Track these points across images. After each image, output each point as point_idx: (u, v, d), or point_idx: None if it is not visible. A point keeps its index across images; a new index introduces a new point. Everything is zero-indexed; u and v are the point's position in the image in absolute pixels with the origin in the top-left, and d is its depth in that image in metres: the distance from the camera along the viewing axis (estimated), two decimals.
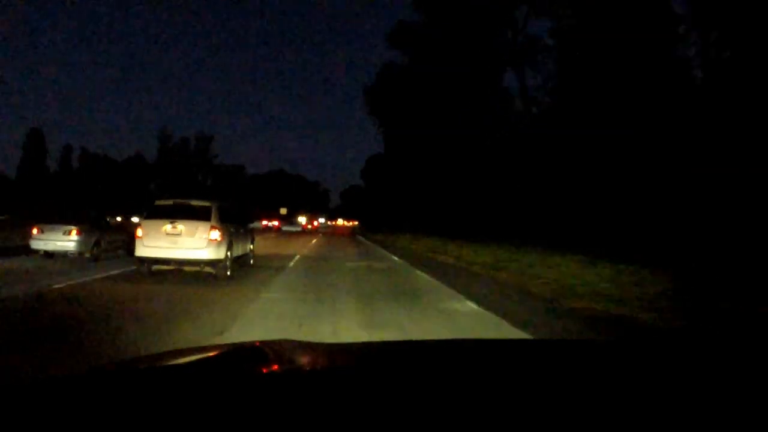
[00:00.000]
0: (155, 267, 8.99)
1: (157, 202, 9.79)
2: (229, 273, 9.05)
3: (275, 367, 1.08)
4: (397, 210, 46.46)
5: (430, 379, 1.01)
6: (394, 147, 40.31)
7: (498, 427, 0.77)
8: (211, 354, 1.15)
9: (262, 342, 1.24)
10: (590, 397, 0.89)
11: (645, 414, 0.81)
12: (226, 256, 8.90)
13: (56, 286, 7.61)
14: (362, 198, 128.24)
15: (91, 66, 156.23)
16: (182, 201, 9.44)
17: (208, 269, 8.75)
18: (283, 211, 56.57)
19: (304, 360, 1.17)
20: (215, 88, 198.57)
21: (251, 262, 11.54)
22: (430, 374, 1.07)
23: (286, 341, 1.31)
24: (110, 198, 56.39)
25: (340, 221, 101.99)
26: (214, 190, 72.42)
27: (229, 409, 0.75)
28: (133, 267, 9.37)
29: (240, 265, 10.36)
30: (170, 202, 9.55)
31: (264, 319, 5.77)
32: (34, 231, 11.19)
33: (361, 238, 34.14)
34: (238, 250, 10.09)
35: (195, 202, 9.35)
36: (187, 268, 8.87)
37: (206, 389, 0.84)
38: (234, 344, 1.35)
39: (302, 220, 54.29)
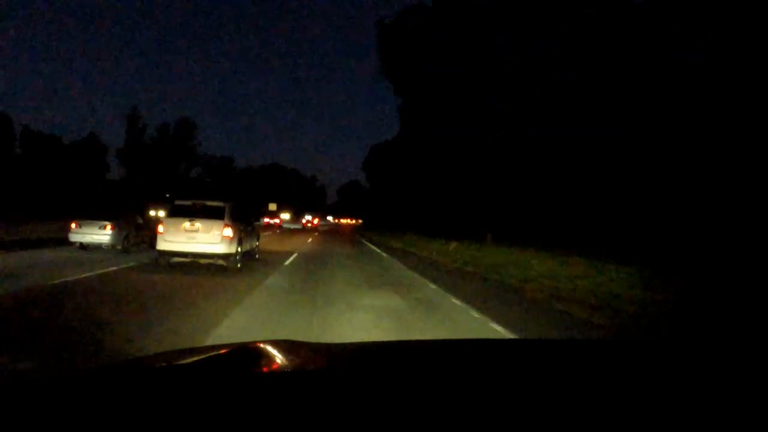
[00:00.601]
0: (174, 259, 10.53)
1: (177, 202, 11.38)
2: (239, 266, 10.69)
3: (275, 367, 1.09)
4: (406, 206, 41.13)
5: (430, 379, 1.02)
6: (412, 123, 30.35)
7: (497, 426, 0.77)
8: (211, 354, 1.15)
9: (262, 342, 1.24)
10: (589, 396, 0.90)
11: (643, 413, 0.82)
12: (237, 250, 10.54)
13: (101, 271, 9.44)
14: (362, 194, 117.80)
15: (65, 53, 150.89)
16: (199, 201, 11.07)
17: (220, 262, 10.36)
18: (273, 206, 53.15)
19: (304, 360, 1.18)
20: (198, 71, 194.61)
21: (256, 256, 13.21)
22: (430, 374, 1.08)
23: (286, 341, 1.32)
24: (53, 188, 45.08)
25: (344, 220, 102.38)
26: (198, 183, 67.95)
27: (229, 409, 0.76)
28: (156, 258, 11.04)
29: (247, 258, 11.99)
30: (189, 202, 11.15)
31: (267, 299, 7.43)
32: (73, 225, 13.06)
33: (364, 242, 28.27)
34: (246, 246, 11.73)
35: (210, 203, 10.96)
36: (202, 261, 10.41)
37: (206, 390, 0.86)
38: (234, 344, 1.38)
39: (307, 217, 55.57)
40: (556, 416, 0.80)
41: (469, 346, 1.68)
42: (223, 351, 1.17)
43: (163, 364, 1.18)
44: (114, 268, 10.08)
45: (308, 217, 55.66)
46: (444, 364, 1.21)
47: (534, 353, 1.46)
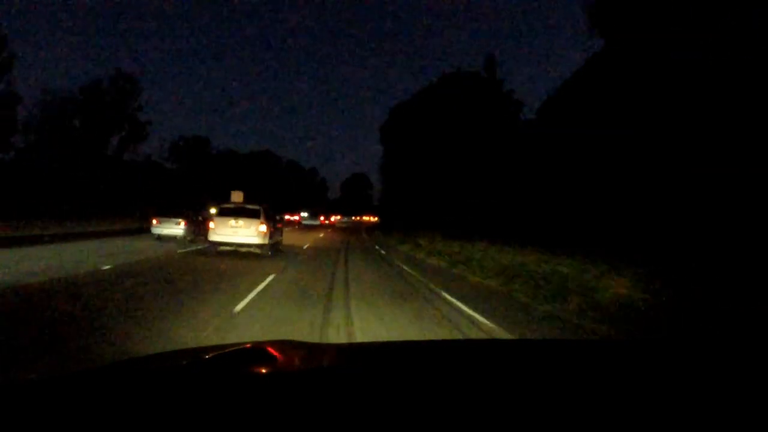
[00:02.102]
0: (221, 247, 14.40)
1: (223, 205, 15.19)
2: (269, 253, 14.40)
3: (275, 367, 1.11)
4: (437, 194, 32.54)
5: (429, 378, 1.04)
6: None
7: (496, 426, 0.78)
8: (212, 354, 1.16)
9: (263, 342, 1.27)
10: (588, 396, 0.92)
11: (641, 413, 0.83)
12: (268, 242, 14.28)
13: (181, 251, 14.06)
14: (369, 188, 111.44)
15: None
16: (241, 205, 14.84)
17: (256, 250, 14.14)
18: (237, 196, 22.73)
19: (304, 360, 1.21)
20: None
21: (280, 247, 16.94)
22: (429, 374, 1.10)
23: (286, 341, 1.37)
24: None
25: (366, 217, 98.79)
26: (147, 169, 47.91)
27: (230, 409, 0.77)
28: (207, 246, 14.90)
29: (274, 249, 15.72)
30: (232, 205, 14.97)
31: (289, 273, 11.09)
32: (154, 222, 17.67)
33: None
34: (274, 239, 15.49)
35: (249, 206, 14.74)
36: (242, 249, 14.23)
37: (208, 389, 0.87)
38: (235, 344, 1.32)
39: (323, 216, 63.46)
40: (555, 416, 0.81)
41: (469, 347, 1.71)
42: (223, 351, 1.20)
43: (165, 364, 1.20)
44: (186, 249, 14.61)
45: (322, 217, 63.68)
46: (444, 365, 1.23)
47: (534, 353, 1.47)
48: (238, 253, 14.27)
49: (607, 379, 1.06)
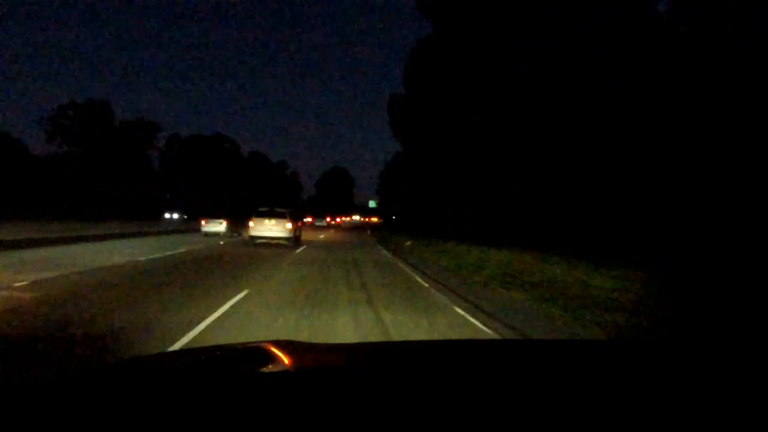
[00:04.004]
0: (258, 240, 19.02)
1: (260, 209, 19.83)
2: (294, 244, 19.01)
3: (275, 367, 1.11)
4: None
5: (429, 379, 1.05)
6: None
7: (496, 426, 0.78)
8: (213, 354, 1.16)
9: (264, 342, 1.26)
10: (587, 396, 0.92)
11: (640, 413, 0.83)
12: (293, 236, 18.88)
13: (222, 242, 18.81)
14: (348, 185, 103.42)
15: None
16: (272, 209, 19.51)
17: (284, 243, 18.70)
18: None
19: (304, 360, 1.21)
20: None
21: (300, 241, 21.57)
22: (429, 374, 1.10)
23: (286, 341, 1.35)
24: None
25: (346, 218, 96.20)
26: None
27: (230, 409, 0.77)
28: (246, 239, 19.59)
29: (296, 240, 20.35)
30: (266, 209, 19.61)
31: (307, 254, 15.55)
32: (203, 222, 23.06)
33: None
34: (296, 234, 20.11)
35: (278, 210, 19.38)
36: (274, 242, 18.82)
37: (208, 389, 0.88)
38: (235, 344, 1.36)
39: (328, 218, 75.08)
40: (554, 416, 0.81)
41: (469, 347, 1.70)
42: (224, 351, 1.23)
43: (166, 364, 1.22)
44: (228, 240, 19.42)
45: (328, 218, 75.23)
46: (444, 365, 1.23)
47: (534, 353, 1.47)
48: (269, 244, 18.91)
49: (607, 379, 1.07)
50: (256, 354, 1.21)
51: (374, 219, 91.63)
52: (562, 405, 0.86)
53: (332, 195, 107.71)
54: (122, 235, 20.26)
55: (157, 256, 12.85)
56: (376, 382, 1.00)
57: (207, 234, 22.93)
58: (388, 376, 1.07)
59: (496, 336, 5.49)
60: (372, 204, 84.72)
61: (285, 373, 1.08)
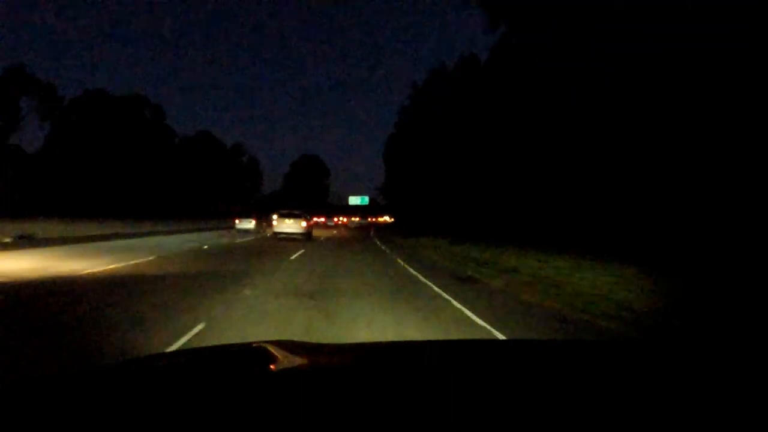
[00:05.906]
0: (280, 236, 24.76)
1: (280, 211, 25.55)
2: (309, 239, 24.81)
3: (275, 367, 1.12)
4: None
5: (429, 379, 1.05)
6: None
7: (495, 426, 0.78)
8: (213, 354, 1.18)
9: (264, 342, 1.26)
10: (587, 396, 0.93)
11: (641, 413, 0.84)
12: (308, 233, 24.78)
13: (251, 238, 25.21)
14: (319, 171, 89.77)
15: None
16: (291, 210, 25.28)
17: (300, 238, 24.45)
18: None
19: (304, 360, 1.20)
20: None
21: (312, 237, 27.32)
22: (429, 374, 1.10)
23: (287, 341, 1.36)
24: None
25: (382, 218, 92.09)
26: None
27: (230, 408, 0.78)
28: (269, 235, 25.46)
29: (309, 236, 26.08)
30: (286, 211, 25.37)
31: (320, 246, 21.35)
32: (237, 221, 29.38)
33: None
34: (309, 231, 25.93)
35: (295, 211, 25.25)
36: (291, 237, 24.51)
37: (208, 389, 0.89)
38: (236, 345, 1.39)
39: (335, 218, 79.66)
40: (553, 416, 0.82)
41: (470, 347, 1.70)
42: (224, 351, 1.23)
43: (167, 364, 1.22)
44: (256, 236, 25.39)
45: (336, 218, 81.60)
46: (443, 365, 1.24)
47: (533, 353, 1.47)
48: (288, 239, 24.64)
49: (607, 380, 1.08)
50: (256, 354, 1.22)
51: (372, 219, 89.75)
52: (562, 405, 0.87)
53: (304, 188, 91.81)
54: (169, 232, 26.31)
55: (223, 241, 20.16)
56: (377, 382, 1.02)
57: (239, 231, 28.95)
58: (388, 376, 1.08)
59: None
60: (360, 200, 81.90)
61: (285, 373, 1.08)
